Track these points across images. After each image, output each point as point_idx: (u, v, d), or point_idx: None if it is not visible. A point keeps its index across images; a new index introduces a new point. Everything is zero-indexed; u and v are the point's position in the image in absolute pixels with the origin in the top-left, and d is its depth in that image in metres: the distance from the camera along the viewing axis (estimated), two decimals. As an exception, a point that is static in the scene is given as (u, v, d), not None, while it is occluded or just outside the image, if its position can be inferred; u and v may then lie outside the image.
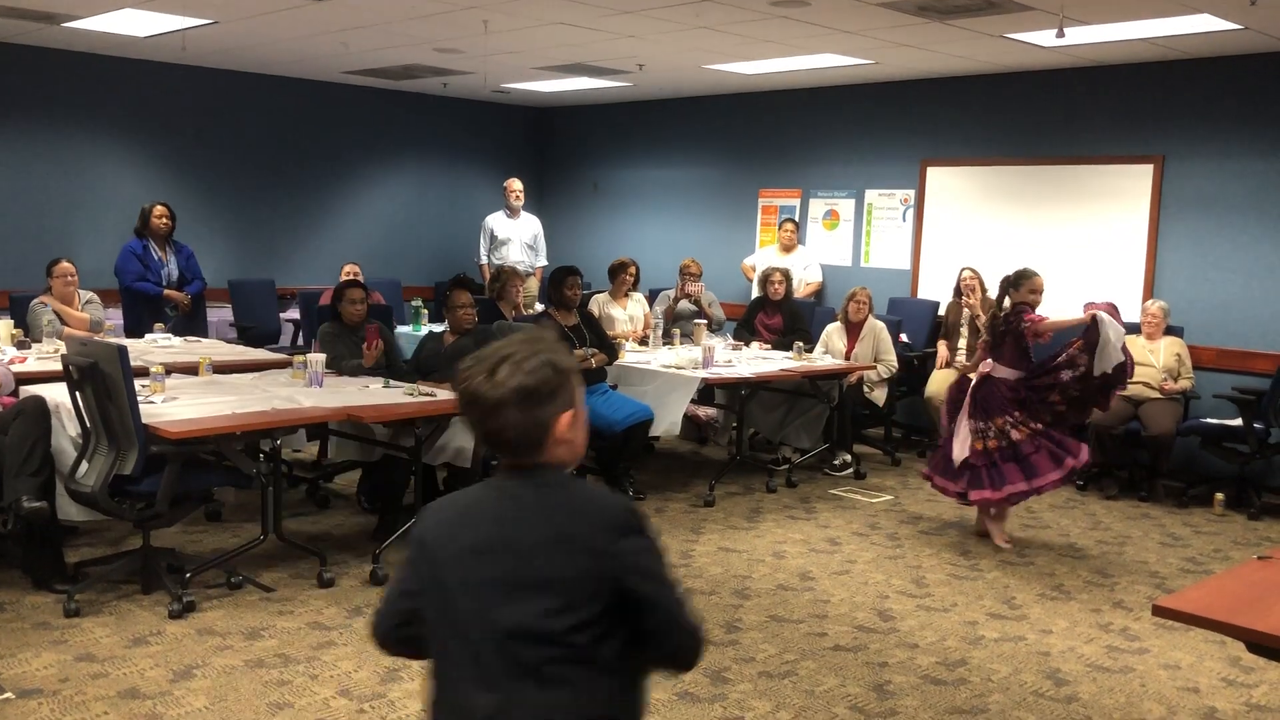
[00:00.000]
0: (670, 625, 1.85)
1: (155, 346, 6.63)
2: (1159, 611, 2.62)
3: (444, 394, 5.38)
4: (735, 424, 7.07)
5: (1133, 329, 7.11)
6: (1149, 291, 7.47)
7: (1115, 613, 4.83)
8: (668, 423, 6.48)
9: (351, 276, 7.75)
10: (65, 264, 6.74)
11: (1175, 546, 5.92)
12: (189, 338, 7.18)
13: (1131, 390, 6.86)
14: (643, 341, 7.60)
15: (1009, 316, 5.58)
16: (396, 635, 2.05)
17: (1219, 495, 6.65)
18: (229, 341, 7.78)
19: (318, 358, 5.51)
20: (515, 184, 9.56)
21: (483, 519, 1.85)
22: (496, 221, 9.54)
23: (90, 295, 6.94)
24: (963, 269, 7.66)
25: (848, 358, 7.39)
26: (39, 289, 6.86)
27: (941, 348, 7.77)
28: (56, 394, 4.73)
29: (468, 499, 1.93)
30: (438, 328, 6.97)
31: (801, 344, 7.26)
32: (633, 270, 7.83)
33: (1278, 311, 7.01)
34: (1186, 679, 4.12)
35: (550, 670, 1.77)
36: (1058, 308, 6.37)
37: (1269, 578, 2.88)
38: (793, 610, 4.71)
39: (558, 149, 11.42)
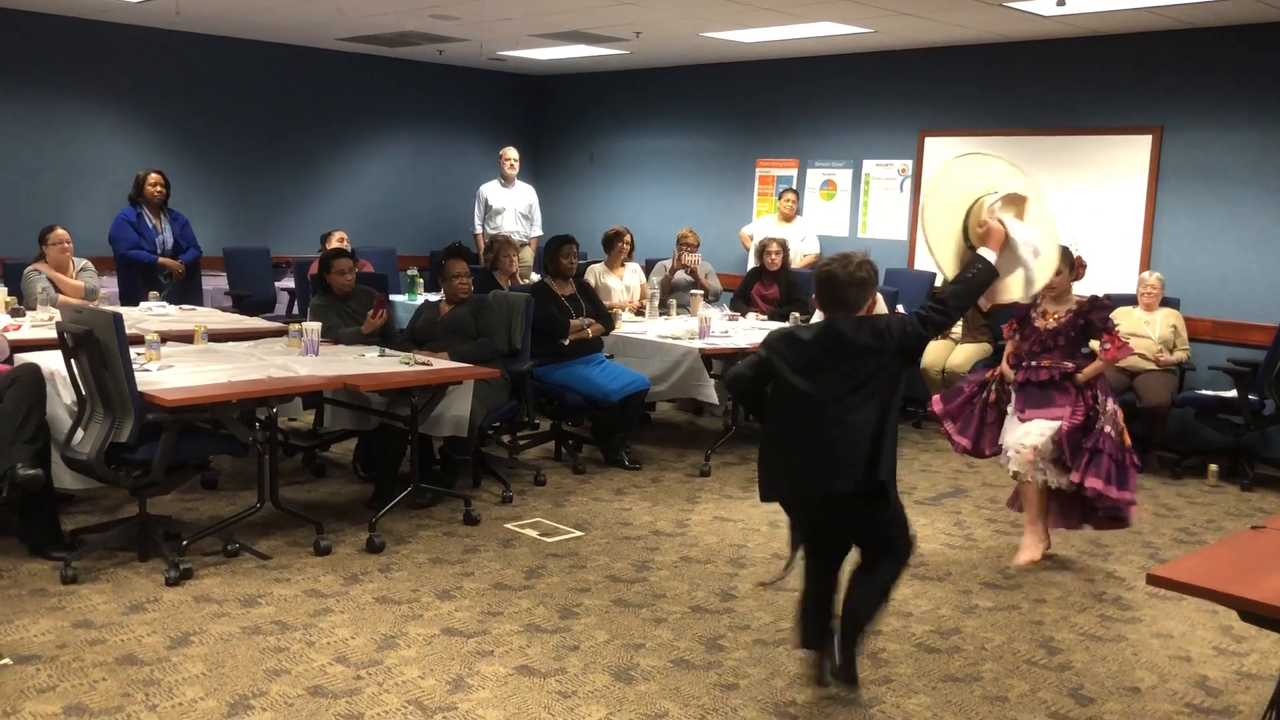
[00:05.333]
0: None
1: (150, 314, 6.61)
2: (1153, 580, 2.64)
3: (440, 363, 5.39)
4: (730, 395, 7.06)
5: (1129, 300, 7.14)
6: (1146, 263, 7.47)
7: (1108, 582, 4.85)
8: (704, 390, 6.44)
9: (338, 244, 7.72)
10: (60, 231, 6.71)
11: (1169, 517, 5.95)
12: (184, 306, 7.16)
13: (1127, 361, 6.88)
14: (639, 312, 7.59)
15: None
16: None
17: (1213, 466, 6.68)
18: (224, 310, 7.76)
19: (313, 326, 5.50)
20: (510, 153, 9.51)
21: None
22: (491, 191, 9.50)
23: (85, 263, 6.91)
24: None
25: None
26: (32, 257, 6.83)
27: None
28: (51, 362, 4.72)
29: None
30: (433, 297, 6.95)
31: (798, 314, 7.25)
32: (628, 239, 7.80)
33: (1274, 283, 7.01)
34: (1179, 648, 4.15)
35: None
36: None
37: (1262, 547, 2.90)
38: (787, 579, 4.73)
39: (554, 118, 11.36)
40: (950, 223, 3.66)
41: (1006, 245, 3.48)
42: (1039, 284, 3.79)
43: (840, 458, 3.19)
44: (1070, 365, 4.85)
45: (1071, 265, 4.98)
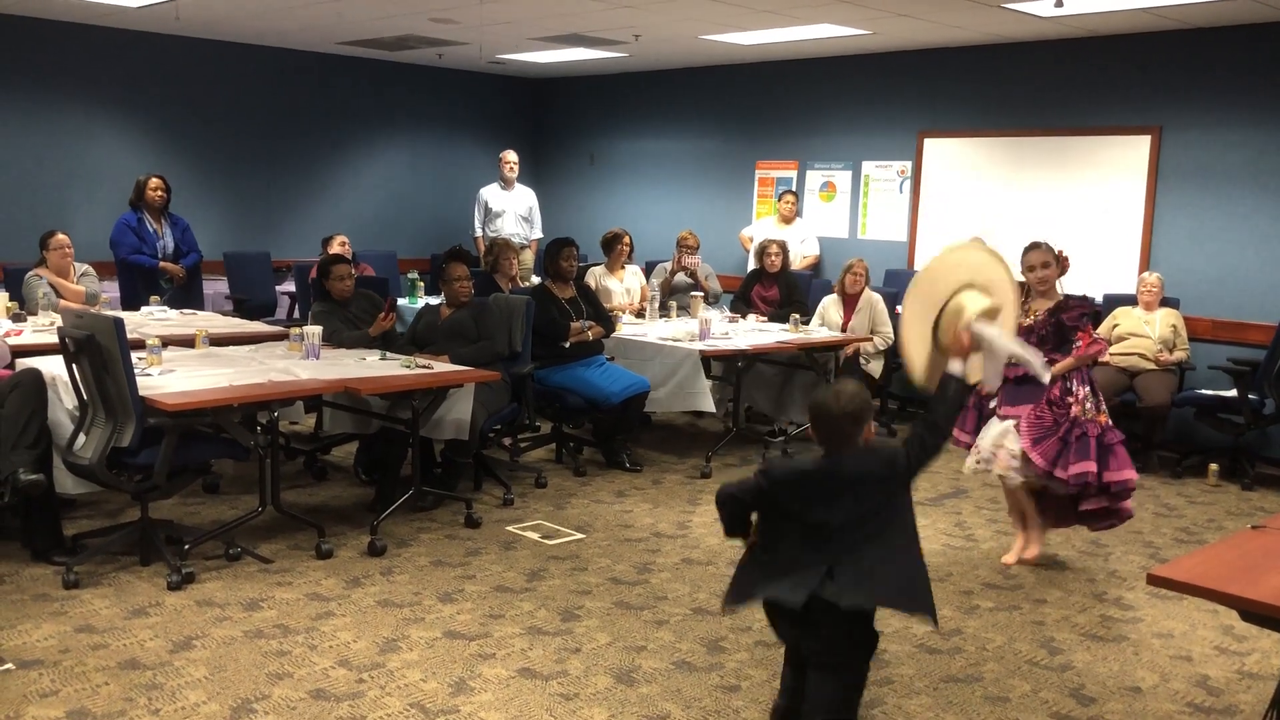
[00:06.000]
0: None
1: (151, 319, 6.62)
2: (1154, 580, 2.64)
3: (441, 366, 5.39)
4: (732, 396, 7.08)
5: (1129, 300, 7.14)
6: (1145, 262, 7.47)
7: (1109, 582, 4.86)
8: (700, 399, 6.42)
9: (338, 249, 7.73)
10: (61, 236, 6.72)
11: (1169, 517, 5.95)
12: (185, 310, 7.17)
13: (1127, 361, 6.90)
14: (639, 314, 7.60)
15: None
16: None
17: (1213, 466, 6.68)
18: (225, 314, 7.77)
19: (314, 329, 5.50)
20: (510, 156, 9.52)
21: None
22: (491, 193, 9.51)
23: (86, 268, 6.93)
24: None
25: (844, 330, 7.39)
26: (33, 262, 6.84)
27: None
28: (53, 367, 4.73)
29: None
30: (434, 300, 6.96)
31: (798, 316, 7.26)
32: (627, 241, 7.81)
33: (1273, 283, 7.01)
34: (1179, 647, 4.15)
35: None
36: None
37: (1263, 547, 2.90)
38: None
39: (554, 120, 11.37)
40: (923, 322, 3.68)
41: (978, 352, 3.47)
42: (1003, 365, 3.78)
43: (853, 573, 2.98)
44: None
45: (1057, 260, 5.01)
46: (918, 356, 3.68)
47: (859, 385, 3.24)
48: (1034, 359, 3.63)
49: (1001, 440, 4.88)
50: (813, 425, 3.20)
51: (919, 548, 3.14)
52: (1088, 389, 4.86)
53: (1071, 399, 4.81)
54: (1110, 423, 4.88)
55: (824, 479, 3.08)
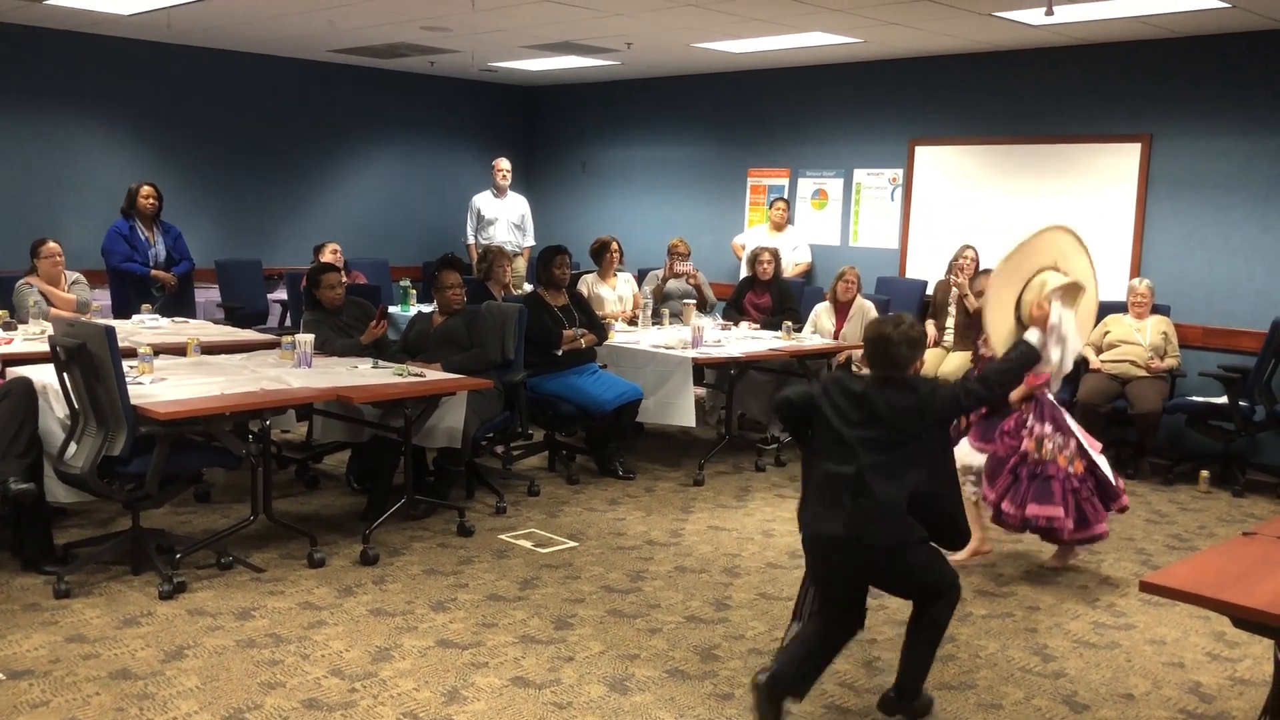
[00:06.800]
0: None
1: (143, 327, 6.61)
2: (1146, 587, 2.65)
3: (433, 374, 5.39)
4: (724, 404, 7.08)
5: (1120, 307, 7.16)
6: (1136, 270, 7.50)
7: (1102, 589, 4.86)
8: (682, 412, 6.40)
9: (330, 257, 7.72)
10: (51, 244, 6.70)
11: (1161, 523, 5.97)
12: (176, 318, 7.15)
13: (1118, 369, 6.92)
14: (632, 322, 7.60)
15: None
16: None
17: (1204, 472, 6.70)
18: (216, 322, 7.75)
19: (306, 338, 5.49)
20: (503, 163, 9.53)
21: None
22: (483, 201, 9.51)
23: (77, 276, 6.91)
24: (965, 247, 7.58)
25: (836, 337, 7.40)
26: (23, 270, 6.82)
27: (930, 327, 7.78)
28: (44, 375, 4.71)
29: None
30: (426, 308, 6.95)
31: (790, 323, 7.26)
32: (616, 248, 7.81)
33: (1263, 290, 7.04)
34: (1172, 654, 4.16)
35: None
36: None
37: (1254, 553, 2.91)
38: (782, 588, 4.74)
39: (546, 128, 11.38)
40: (1008, 294, 3.84)
41: (1051, 331, 3.62)
42: (1066, 368, 3.87)
43: (873, 512, 3.23)
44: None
45: None
46: (999, 323, 3.84)
47: (915, 318, 3.48)
48: (1069, 361, 3.71)
49: (967, 460, 4.89)
50: (867, 349, 3.39)
51: (946, 488, 3.35)
52: (1049, 427, 4.69)
53: (1025, 433, 4.72)
54: (1085, 471, 4.73)
55: (865, 399, 3.29)
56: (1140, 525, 5.90)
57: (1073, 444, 4.73)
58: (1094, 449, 4.82)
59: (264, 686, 3.64)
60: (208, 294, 8.66)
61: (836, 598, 3.42)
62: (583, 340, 6.46)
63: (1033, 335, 3.54)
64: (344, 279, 6.29)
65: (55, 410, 4.65)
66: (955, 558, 5.01)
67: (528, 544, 5.24)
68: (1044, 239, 4.03)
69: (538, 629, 4.21)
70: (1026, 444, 4.70)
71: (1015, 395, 4.73)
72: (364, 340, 5.85)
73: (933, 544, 3.37)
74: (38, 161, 8.57)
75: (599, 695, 3.66)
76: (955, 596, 3.42)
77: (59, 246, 6.73)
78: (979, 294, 6.36)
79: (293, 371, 5.26)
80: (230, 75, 9.43)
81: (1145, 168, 7.48)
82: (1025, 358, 3.46)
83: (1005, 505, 4.74)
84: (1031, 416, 4.75)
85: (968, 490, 4.85)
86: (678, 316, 7.69)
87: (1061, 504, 4.66)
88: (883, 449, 3.24)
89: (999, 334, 3.84)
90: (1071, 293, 3.72)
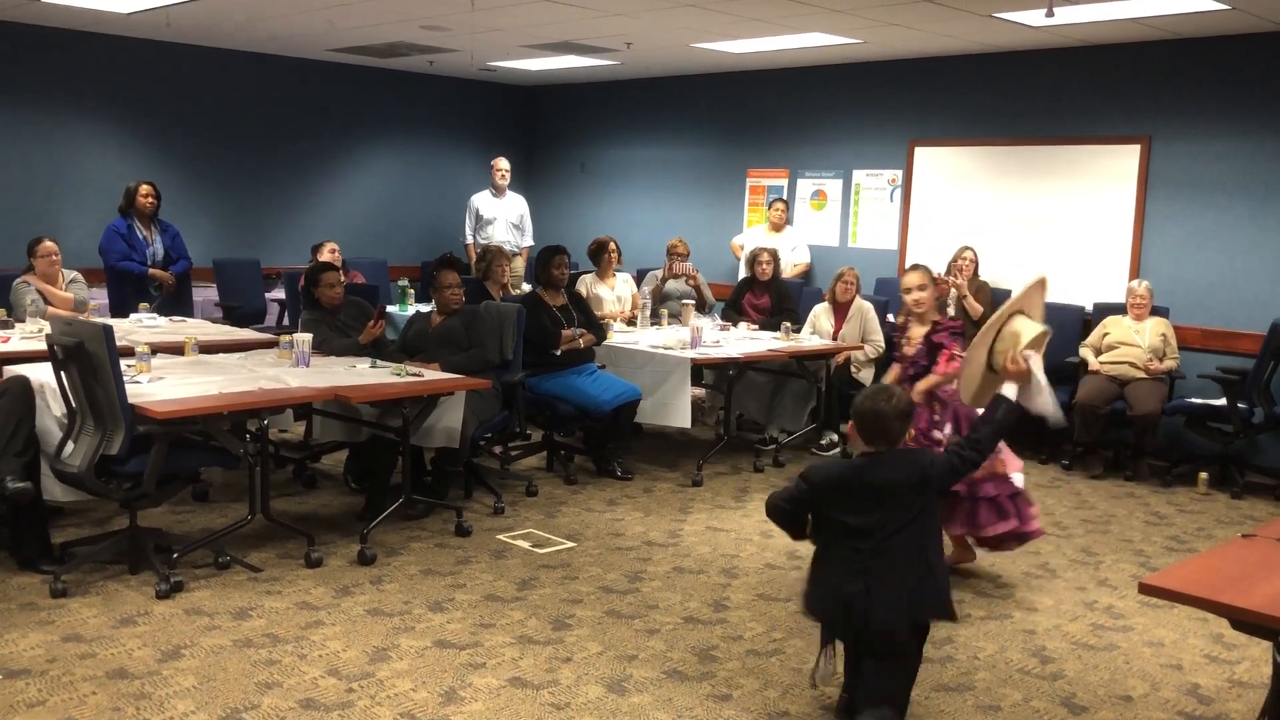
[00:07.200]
0: None
1: (140, 326, 6.60)
2: (1145, 589, 2.65)
3: (431, 374, 5.38)
4: (723, 405, 7.08)
5: (1118, 309, 7.16)
6: (1135, 271, 7.50)
7: (1100, 591, 4.86)
8: (678, 413, 6.38)
9: (328, 256, 7.71)
10: (48, 243, 6.68)
11: (1160, 525, 5.96)
12: (174, 317, 7.14)
13: (1117, 370, 6.92)
14: (630, 322, 7.60)
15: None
16: None
17: (1203, 474, 6.69)
18: (214, 321, 7.75)
19: (304, 337, 5.48)
20: (502, 163, 9.52)
21: None
22: (482, 201, 9.50)
23: (74, 274, 6.89)
24: (964, 248, 7.60)
25: (835, 338, 7.39)
26: (21, 269, 6.80)
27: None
28: (41, 374, 4.70)
29: None
30: (424, 308, 6.95)
31: (789, 324, 7.26)
32: (613, 248, 7.81)
33: (1262, 292, 7.04)
34: (1170, 656, 4.16)
35: None
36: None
37: (1253, 555, 2.91)
38: (780, 589, 4.74)
39: (545, 128, 11.37)
40: (979, 345, 3.83)
41: (1029, 382, 3.61)
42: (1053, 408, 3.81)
43: (889, 591, 3.21)
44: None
45: (934, 283, 4.89)
46: (969, 376, 3.83)
47: (901, 390, 3.50)
48: (1050, 400, 3.66)
49: None
50: (859, 424, 3.38)
51: (940, 550, 3.39)
52: (955, 434, 4.56)
53: (939, 434, 4.64)
54: (983, 477, 4.55)
55: (861, 483, 3.28)
56: (1139, 527, 5.90)
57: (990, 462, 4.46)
58: (1012, 468, 4.68)
59: (261, 686, 3.63)
60: (206, 293, 8.65)
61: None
62: (581, 340, 6.45)
63: (1009, 390, 3.52)
64: (343, 278, 6.28)
65: (53, 409, 4.65)
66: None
67: (526, 544, 5.24)
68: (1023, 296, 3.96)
69: (535, 629, 4.20)
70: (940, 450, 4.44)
71: (923, 385, 4.65)
72: (362, 340, 5.84)
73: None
74: (36, 160, 8.56)
75: (597, 696, 3.65)
76: (915, 668, 3.46)
77: (55, 245, 6.72)
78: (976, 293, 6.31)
79: (291, 371, 5.25)
80: (230, 74, 9.42)
81: (1144, 169, 7.48)
82: (1008, 414, 3.47)
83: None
84: (943, 417, 4.66)
85: None
86: (676, 317, 7.69)
87: (963, 522, 4.60)
88: (891, 528, 3.22)
89: (969, 385, 3.84)
90: (1040, 341, 3.72)
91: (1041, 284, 3.92)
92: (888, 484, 3.25)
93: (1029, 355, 3.60)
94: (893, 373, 5.01)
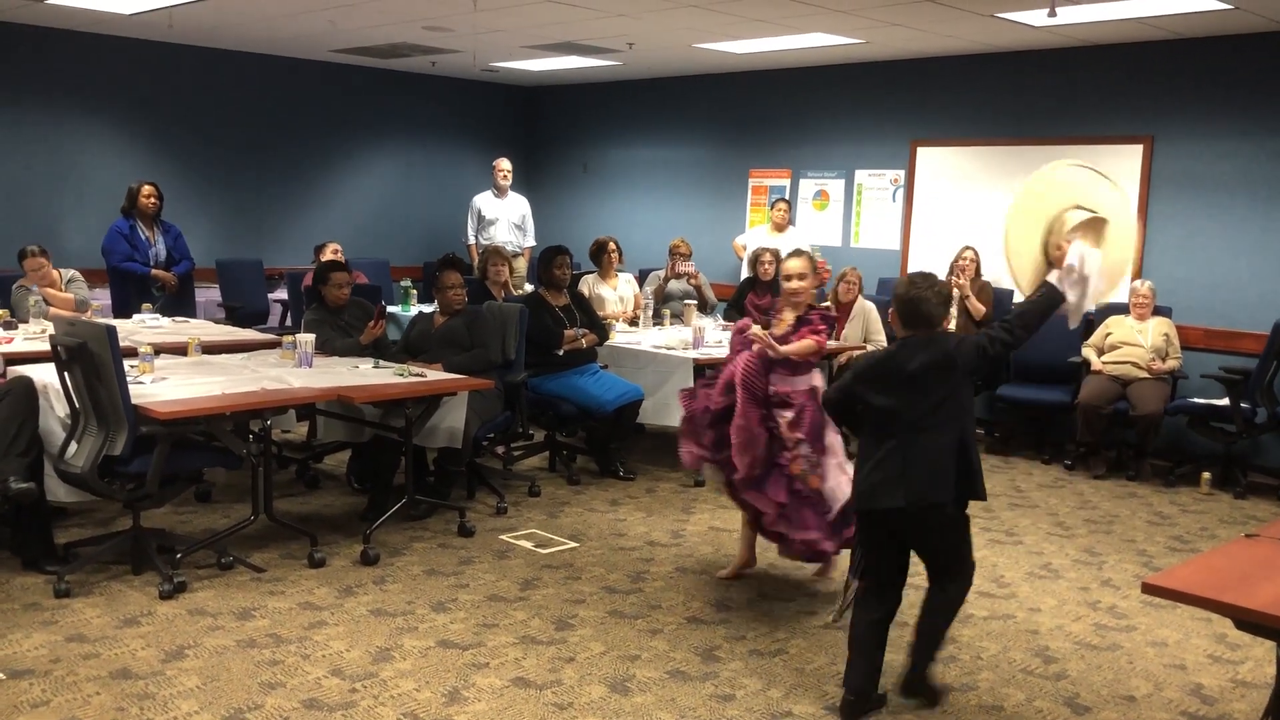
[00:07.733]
0: None
1: (143, 327, 6.60)
2: (1148, 589, 2.64)
3: (434, 374, 5.38)
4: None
5: (1121, 309, 7.16)
6: (1138, 271, 7.49)
7: (1103, 591, 4.86)
8: (677, 414, 6.34)
9: (331, 257, 7.70)
10: (32, 260, 6.54)
11: (1162, 525, 5.96)
12: (177, 318, 7.15)
13: (1120, 370, 6.91)
14: (633, 322, 7.60)
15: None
16: None
17: (1206, 474, 6.69)
18: (217, 322, 7.75)
19: (307, 338, 5.48)
20: (503, 164, 9.52)
21: None
22: (484, 201, 9.50)
23: (73, 274, 6.88)
24: (965, 248, 7.63)
25: (837, 338, 7.38)
26: (21, 272, 6.79)
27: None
28: (45, 374, 4.71)
29: None
30: (427, 308, 6.95)
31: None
32: (613, 247, 7.81)
33: (1265, 292, 7.03)
34: (1173, 656, 4.15)
35: None
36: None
37: (1256, 555, 2.91)
38: (782, 589, 4.74)
39: (547, 129, 11.37)
40: (1030, 237, 3.80)
41: (1070, 271, 3.58)
42: (1087, 307, 3.78)
43: (928, 471, 3.38)
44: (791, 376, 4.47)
45: (815, 270, 4.62)
46: (1025, 268, 3.80)
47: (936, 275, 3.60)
48: (1086, 294, 3.61)
49: None
50: (899, 308, 3.47)
51: (973, 438, 3.47)
52: (797, 427, 4.33)
53: (783, 413, 4.36)
54: (814, 479, 4.33)
55: (896, 367, 3.41)
56: (1142, 527, 5.90)
57: (827, 463, 4.34)
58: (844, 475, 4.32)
59: (264, 686, 3.63)
60: (208, 293, 8.65)
61: (887, 565, 3.60)
62: (584, 340, 6.45)
63: (1054, 277, 3.55)
64: (351, 279, 6.28)
65: (56, 409, 4.65)
66: (721, 574, 4.83)
67: (528, 544, 5.24)
68: (1057, 182, 3.96)
69: (538, 629, 4.20)
70: (782, 427, 4.32)
71: (790, 350, 4.36)
72: (363, 340, 5.84)
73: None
74: (39, 161, 8.56)
75: (600, 696, 3.66)
76: (970, 581, 3.62)
77: (42, 259, 6.55)
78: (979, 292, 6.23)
79: (293, 371, 5.26)
80: (232, 75, 9.42)
81: (1147, 169, 7.48)
82: (1047, 300, 3.50)
83: (749, 495, 4.42)
84: (795, 400, 4.37)
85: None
86: (679, 317, 7.69)
87: (785, 493, 4.33)
88: (923, 408, 3.38)
89: (1025, 278, 3.76)
90: (1094, 228, 3.65)
91: (1090, 175, 3.87)
92: (920, 367, 3.39)
93: (1073, 241, 3.57)
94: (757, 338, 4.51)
